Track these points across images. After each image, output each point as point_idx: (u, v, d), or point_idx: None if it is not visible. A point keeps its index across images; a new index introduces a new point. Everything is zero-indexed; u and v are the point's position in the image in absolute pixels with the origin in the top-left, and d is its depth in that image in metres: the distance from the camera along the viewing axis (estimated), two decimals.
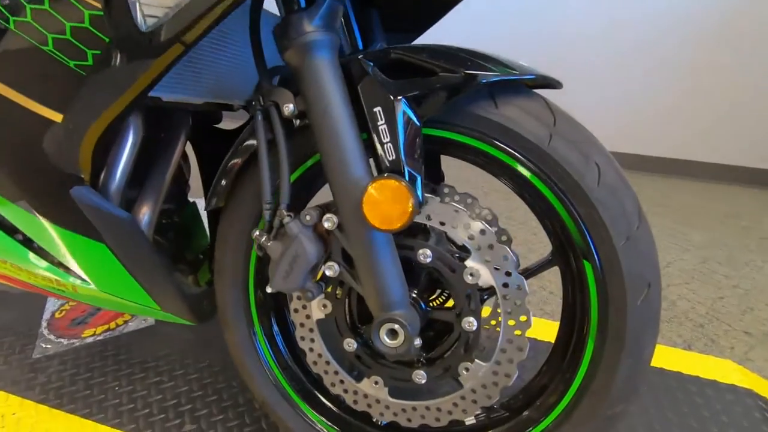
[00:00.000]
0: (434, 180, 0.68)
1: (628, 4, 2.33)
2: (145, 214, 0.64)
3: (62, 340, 0.93)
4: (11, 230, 0.62)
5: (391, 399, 0.58)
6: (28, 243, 0.61)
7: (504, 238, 0.63)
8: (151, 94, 0.48)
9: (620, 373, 0.50)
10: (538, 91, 0.53)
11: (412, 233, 0.55)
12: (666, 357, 0.98)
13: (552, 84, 0.53)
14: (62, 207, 0.52)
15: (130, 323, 0.98)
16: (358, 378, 0.59)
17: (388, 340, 0.50)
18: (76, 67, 0.41)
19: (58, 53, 0.41)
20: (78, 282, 0.64)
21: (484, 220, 0.59)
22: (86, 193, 0.52)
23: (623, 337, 0.49)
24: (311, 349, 0.60)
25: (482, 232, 0.50)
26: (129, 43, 0.40)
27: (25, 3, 0.40)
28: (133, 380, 0.83)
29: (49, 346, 0.91)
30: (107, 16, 0.39)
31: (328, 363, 0.60)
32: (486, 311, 0.55)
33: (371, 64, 0.48)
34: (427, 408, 0.57)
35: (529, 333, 0.52)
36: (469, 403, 0.55)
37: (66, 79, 0.42)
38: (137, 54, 0.41)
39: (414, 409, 0.58)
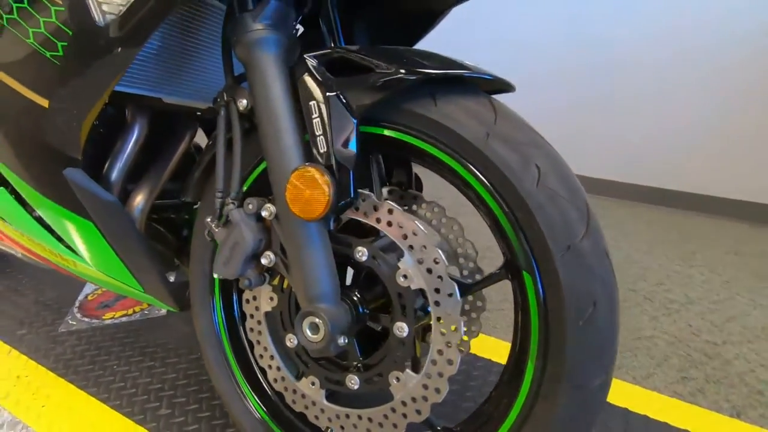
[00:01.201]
0: (407, 186, 0.67)
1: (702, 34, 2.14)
2: (138, 203, 0.71)
3: (86, 319, 1.03)
4: (31, 208, 0.72)
5: (325, 402, 0.56)
6: (40, 220, 0.71)
7: (460, 248, 0.60)
8: (120, 88, 0.55)
9: (561, 403, 0.44)
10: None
11: (365, 234, 0.55)
12: (705, 422, 0.84)
13: (504, 87, 0.51)
14: (56, 185, 0.60)
15: (145, 311, 1.07)
16: (298, 377, 0.58)
17: (309, 333, 0.49)
18: (51, 57, 0.49)
19: (37, 45, 0.49)
20: (77, 258, 0.71)
21: (429, 222, 0.57)
22: (77, 175, 0.59)
23: (563, 362, 0.44)
24: (258, 342, 0.60)
25: (414, 232, 0.49)
26: (89, 36, 0.46)
27: (12, 2, 0.48)
28: (130, 362, 0.89)
29: (74, 323, 1.01)
30: (68, 11, 0.46)
31: (272, 357, 0.60)
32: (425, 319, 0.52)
33: (314, 61, 0.50)
34: (359, 417, 0.54)
35: (490, 353, 0.48)
36: (399, 417, 0.52)
37: (46, 68, 0.50)
38: (97, 47, 0.47)
39: (347, 416, 0.55)
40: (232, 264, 0.53)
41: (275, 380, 0.60)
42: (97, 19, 0.45)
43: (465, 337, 0.64)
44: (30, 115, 0.54)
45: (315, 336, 0.49)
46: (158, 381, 0.84)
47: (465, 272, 0.62)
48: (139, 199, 0.71)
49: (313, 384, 0.57)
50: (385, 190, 0.61)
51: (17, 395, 0.80)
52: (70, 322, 1.02)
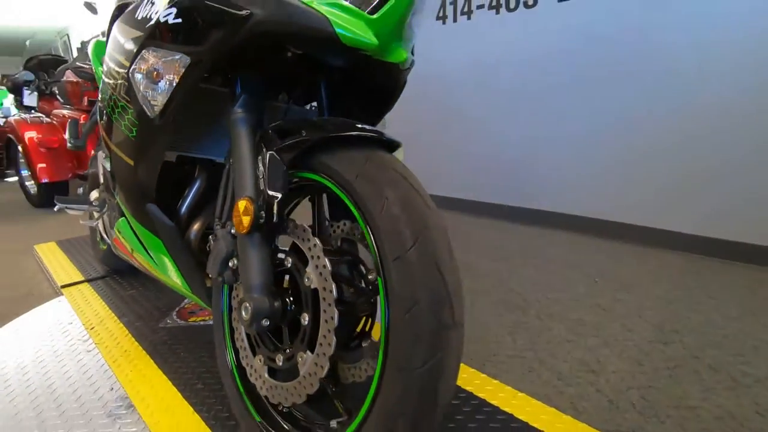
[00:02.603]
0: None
1: None
2: (195, 229, 1.03)
3: (179, 320, 1.40)
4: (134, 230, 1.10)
5: (266, 376, 0.75)
6: (138, 238, 1.08)
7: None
8: (182, 153, 0.88)
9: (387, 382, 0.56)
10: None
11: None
12: None
13: (391, 145, 0.68)
14: (143, 214, 0.95)
15: (209, 321, 1.39)
16: (255, 354, 0.79)
17: (243, 314, 0.70)
18: (131, 137, 0.84)
19: (126, 131, 0.84)
20: (155, 266, 1.06)
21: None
22: (153, 208, 0.93)
23: (389, 345, 0.56)
24: (237, 327, 0.83)
25: (315, 245, 0.67)
26: (147, 123, 0.79)
27: (114, 105, 0.86)
28: (198, 357, 1.19)
29: (169, 321, 1.39)
30: (136, 111, 0.80)
31: (242, 339, 0.81)
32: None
33: (270, 131, 0.75)
34: (284, 389, 0.71)
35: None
36: (301, 388, 0.67)
37: (130, 143, 0.85)
38: (151, 129, 0.80)
39: (275, 387, 0.73)
40: (214, 266, 0.78)
41: (244, 357, 0.81)
42: (149, 114, 0.79)
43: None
44: (127, 170, 0.90)
45: (245, 316, 0.69)
46: (215, 376, 1.11)
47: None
48: (196, 227, 1.02)
49: (260, 361, 0.76)
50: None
51: (121, 362, 1.17)
52: (168, 321, 1.39)
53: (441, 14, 2.76)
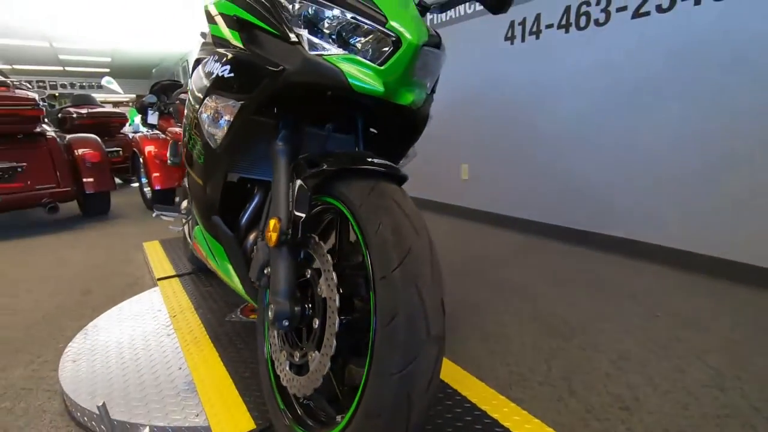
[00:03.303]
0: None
1: None
2: (249, 240, 1.21)
3: (242, 316, 1.61)
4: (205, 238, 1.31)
5: (287, 369, 0.88)
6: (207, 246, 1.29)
7: None
8: (242, 174, 1.06)
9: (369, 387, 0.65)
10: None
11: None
12: None
13: (397, 177, 0.78)
14: (210, 225, 1.14)
15: None
16: (280, 349, 0.92)
17: (269, 314, 0.84)
18: (201, 162, 1.03)
19: (197, 158, 1.04)
20: (220, 269, 1.26)
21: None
22: (217, 220, 1.12)
23: (373, 353, 0.65)
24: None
25: (327, 260, 0.79)
26: (211, 152, 0.98)
27: (189, 137, 1.06)
28: (252, 350, 1.38)
29: (234, 316, 1.60)
30: (203, 143, 0.99)
31: (273, 336, 0.95)
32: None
33: (301, 161, 0.88)
34: (298, 381, 0.83)
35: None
36: (309, 383, 0.79)
37: (200, 167, 1.05)
38: (215, 157, 0.98)
39: (293, 379, 0.85)
40: (254, 272, 0.93)
41: (274, 351, 0.95)
42: (212, 145, 0.97)
43: None
44: (198, 188, 1.11)
45: (270, 316, 0.83)
46: (258, 367, 1.29)
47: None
48: (251, 238, 1.20)
49: (284, 355, 0.89)
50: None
51: (191, 347, 1.39)
52: (233, 316, 1.61)
53: (509, 35, 2.78)
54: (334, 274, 0.76)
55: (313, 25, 0.78)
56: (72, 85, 13.37)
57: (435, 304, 0.66)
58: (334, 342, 0.74)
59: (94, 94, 6.13)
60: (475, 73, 3.08)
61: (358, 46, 0.78)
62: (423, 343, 0.64)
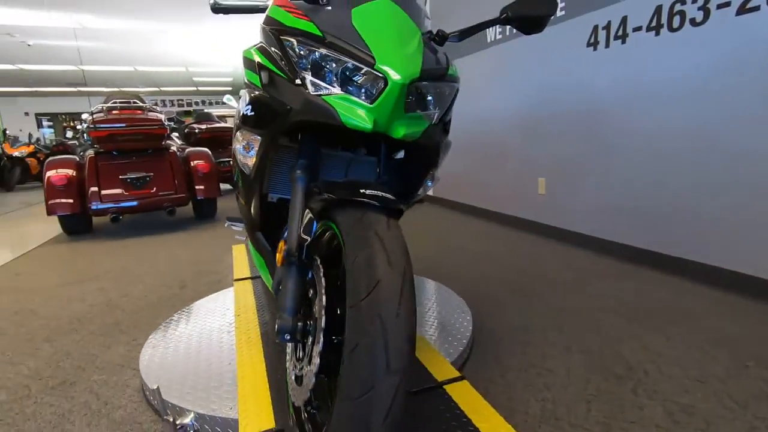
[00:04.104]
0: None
1: None
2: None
3: None
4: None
5: (291, 378, 0.96)
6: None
7: None
8: (279, 195, 1.18)
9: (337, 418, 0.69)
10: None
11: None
12: None
13: (388, 208, 0.81)
14: (254, 239, 1.29)
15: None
16: (289, 359, 1.00)
17: (276, 327, 0.92)
18: (240, 186, 1.17)
19: (239, 181, 1.18)
20: (263, 276, 1.40)
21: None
22: (258, 235, 1.26)
23: (339, 378, 0.69)
24: None
25: (322, 282, 0.85)
26: (246, 178, 1.11)
27: (234, 166, 1.20)
28: (281, 350, 1.50)
29: None
30: (240, 170, 1.12)
31: (288, 346, 1.04)
32: None
33: (313, 188, 0.96)
34: (295, 390, 0.91)
35: None
36: (301, 393, 0.86)
37: (240, 190, 1.19)
38: (250, 182, 1.11)
39: (294, 388, 0.92)
40: (274, 287, 1.03)
41: (287, 360, 1.03)
42: (246, 171, 1.10)
43: None
44: (243, 207, 1.26)
45: (275, 330, 0.91)
46: None
47: None
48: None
49: (291, 365, 0.98)
50: None
51: (243, 345, 1.55)
52: None
53: (591, 40, 2.57)
54: (324, 297, 0.82)
55: (317, 68, 0.86)
56: (203, 102, 15.54)
57: (398, 338, 0.68)
58: (318, 360, 0.80)
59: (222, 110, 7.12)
60: (554, 82, 2.90)
61: (355, 85, 0.84)
62: (382, 374, 0.66)
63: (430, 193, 4.92)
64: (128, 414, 1.31)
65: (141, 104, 4.17)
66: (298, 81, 0.87)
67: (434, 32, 1.02)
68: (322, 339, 0.80)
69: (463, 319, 1.70)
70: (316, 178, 1.01)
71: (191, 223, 4.39)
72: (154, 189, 3.85)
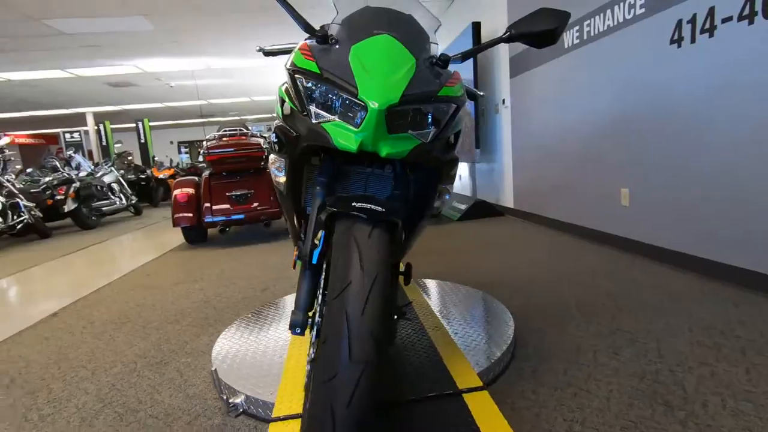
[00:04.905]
0: None
1: None
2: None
3: None
4: None
5: (307, 369, 1.09)
6: None
7: None
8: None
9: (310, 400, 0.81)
10: None
11: None
12: None
13: (375, 219, 0.91)
14: (297, 249, 1.47)
15: None
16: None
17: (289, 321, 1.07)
18: (279, 201, 1.35)
19: (281, 201, 1.37)
20: None
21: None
22: (300, 244, 1.44)
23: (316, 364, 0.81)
24: None
25: (321, 284, 0.98)
26: (282, 195, 1.28)
27: (277, 191, 1.40)
28: None
29: None
30: (276, 189, 1.30)
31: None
32: None
33: (326, 202, 1.10)
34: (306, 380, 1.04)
35: None
36: (307, 383, 0.98)
37: (282, 207, 1.37)
38: (284, 199, 1.28)
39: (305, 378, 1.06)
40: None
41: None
42: (281, 189, 1.28)
43: None
44: (287, 222, 1.45)
45: (289, 323, 1.06)
46: None
47: None
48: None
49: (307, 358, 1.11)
50: None
51: (296, 340, 1.74)
52: None
53: (675, 36, 2.34)
54: (320, 296, 0.95)
55: (317, 100, 1.00)
56: None
57: (361, 334, 0.77)
58: (311, 350, 0.92)
59: None
60: (635, 84, 2.68)
61: (345, 113, 0.97)
62: (345, 363, 0.76)
63: (508, 204, 4.78)
64: (200, 391, 1.57)
65: (245, 131, 4.81)
66: (305, 112, 1.02)
67: (437, 56, 1.10)
68: (315, 332, 0.92)
69: (504, 332, 1.69)
70: (333, 192, 1.15)
71: (285, 234, 4.88)
72: (255, 204, 4.39)
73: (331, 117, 0.98)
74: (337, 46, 1.05)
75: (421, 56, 1.05)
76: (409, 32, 1.08)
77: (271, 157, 1.26)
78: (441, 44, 5.91)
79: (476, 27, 4.57)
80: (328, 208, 0.99)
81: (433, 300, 2.11)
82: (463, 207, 4.98)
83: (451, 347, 1.57)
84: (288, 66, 1.08)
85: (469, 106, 4.97)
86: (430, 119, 1.04)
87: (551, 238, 3.60)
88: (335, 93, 0.98)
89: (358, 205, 0.95)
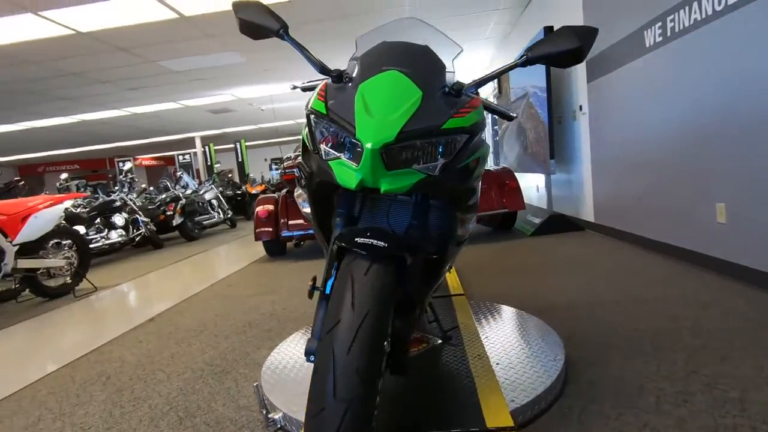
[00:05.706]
0: None
1: None
2: None
3: None
4: None
5: None
6: None
7: None
8: None
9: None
10: None
11: None
12: None
13: (373, 254, 0.93)
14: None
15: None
16: None
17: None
18: (314, 232, 1.42)
19: (314, 231, 1.43)
20: None
21: None
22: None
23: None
24: None
25: None
26: (312, 226, 1.34)
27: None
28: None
29: None
30: (307, 216, 1.36)
31: None
32: None
33: (341, 233, 1.13)
34: None
35: None
36: None
37: (316, 236, 1.43)
38: (315, 229, 1.34)
39: None
40: None
41: None
42: (309, 219, 1.34)
43: None
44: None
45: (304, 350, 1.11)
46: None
47: None
48: None
49: None
50: None
51: None
52: None
53: None
54: None
55: (326, 139, 1.05)
56: None
57: (348, 371, 0.78)
58: None
59: None
60: (737, 83, 2.33)
61: (348, 151, 1.00)
62: (330, 400, 0.78)
63: (588, 218, 4.41)
64: (249, 402, 1.70)
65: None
66: (316, 150, 1.08)
67: (450, 85, 1.09)
68: None
69: (552, 366, 1.56)
70: (356, 221, 1.19)
71: None
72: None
73: (337, 155, 1.02)
74: (349, 85, 1.09)
75: (431, 88, 1.05)
76: (420, 64, 1.08)
77: (297, 190, 1.34)
78: (512, 51, 5.71)
79: (548, 32, 4.34)
80: (336, 242, 1.02)
81: (483, 325, 2.02)
82: (537, 221, 4.70)
83: (489, 379, 1.50)
84: (306, 108, 1.15)
85: (542, 115, 4.72)
86: (441, 150, 1.03)
87: (634, 257, 3.24)
88: (337, 133, 1.02)
89: (360, 240, 0.97)
